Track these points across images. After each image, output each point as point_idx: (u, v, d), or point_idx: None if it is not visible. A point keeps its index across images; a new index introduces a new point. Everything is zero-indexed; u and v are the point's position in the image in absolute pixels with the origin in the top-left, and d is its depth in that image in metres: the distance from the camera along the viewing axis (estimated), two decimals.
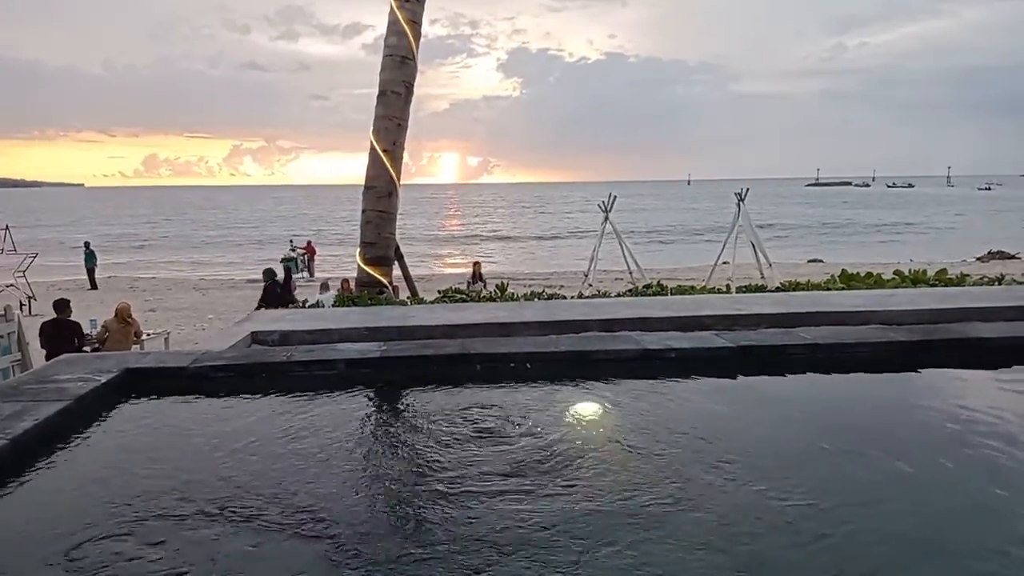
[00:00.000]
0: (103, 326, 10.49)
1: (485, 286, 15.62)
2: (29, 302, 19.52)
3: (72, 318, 10.26)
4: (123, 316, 10.43)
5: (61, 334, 9.77)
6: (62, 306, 10.14)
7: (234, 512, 3.03)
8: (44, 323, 10.09)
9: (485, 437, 3.89)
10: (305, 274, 29.12)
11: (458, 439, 3.87)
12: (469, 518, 2.98)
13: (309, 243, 32.11)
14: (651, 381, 4.92)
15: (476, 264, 17.26)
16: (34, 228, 64.41)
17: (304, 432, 4.03)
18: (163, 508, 3.08)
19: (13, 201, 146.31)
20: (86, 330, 10.60)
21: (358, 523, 2.98)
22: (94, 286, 25.36)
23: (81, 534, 2.88)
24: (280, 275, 13.29)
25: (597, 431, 4.18)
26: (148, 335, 12.11)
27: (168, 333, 13.66)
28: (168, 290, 25.13)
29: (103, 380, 4.57)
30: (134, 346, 10.62)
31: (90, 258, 26.11)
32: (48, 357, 9.05)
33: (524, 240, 53.27)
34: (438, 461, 3.60)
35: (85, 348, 10.03)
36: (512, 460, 3.56)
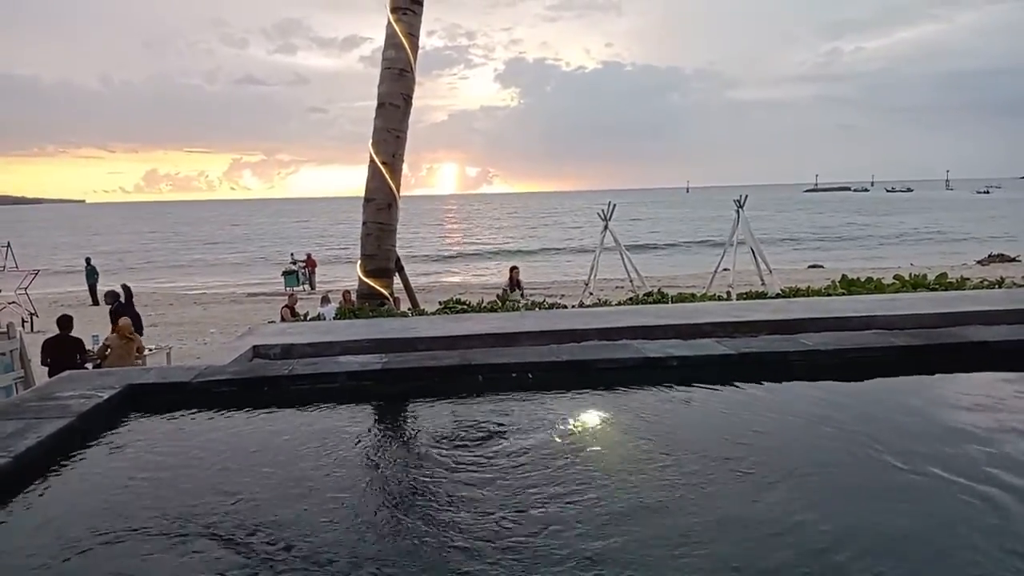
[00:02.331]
0: (105, 342, 10.50)
1: (523, 294, 13.83)
2: (31, 319, 19.53)
3: (74, 334, 10.28)
4: (125, 332, 10.44)
5: (63, 351, 9.79)
6: (65, 323, 10.16)
7: (234, 530, 3.02)
8: (46, 340, 10.10)
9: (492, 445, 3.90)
10: (306, 287, 29.22)
11: (463, 449, 3.88)
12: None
13: (309, 256, 32.21)
14: (652, 389, 4.93)
15: (514, 270, 15.14)
16: (36, 245, 64.49)
17: (308, 446, 4.03)
18: (166, 525, 3.08)
19: (15, 218, 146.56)
20: (88, 346, 10.61)
21: (362, 539, 2.99)
22: (96, 302, 25.38)
23: (84, 551, 2.88)
24: (122, 296, 13.22)
25: (598, 437, 4.18)
26: (150, 350, 12.11)
27: (170, 348, 13.66)
28: (169, 305, 25.16)
29: (106, 396, 4.57)
30: (136, 362, 10.62)
31: (91, 274, 26.16)
32: (51, 374, 9.06)
33: (526, 251, 53.19)
34: (444, 473, 3.61)
35: (87, 364, 10.04)
36: (518, 471, 3.56)
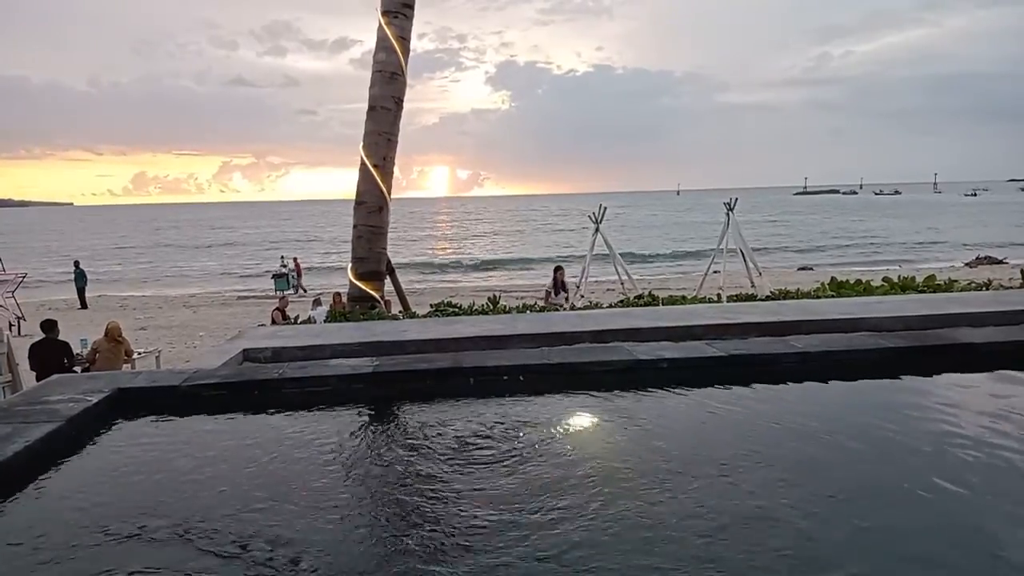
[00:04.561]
0: (93, 346, 10.43)
1: (568, 298, 12.75)
2: (19, 323, 19.35)
3: (62, 338, 10.19)
4: (113, 335, 10.36)
5: (51, 355, 9.70)
6: (50, 326, 10.08)
7: (224, 538, 3.00)
8: (33, 344, 10.01)
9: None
10: (293, 290, 29.10)
11: (455, 451, 3.88)
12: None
13: (295, 260, 32.05)
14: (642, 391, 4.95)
15: (558, 271, 13.45)
16: (23, 247, 63.96)
17: (297, 450, 4.02)
18: (155, 532, 3.06)
19: (2, 221, 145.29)
20: (76, 350, 10.53)
21: (352, 543, 2.98)
22: (84, 305, 25.21)
23: (73, 557, 2.86)
24: None
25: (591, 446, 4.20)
26: (139, 354, 12.04)
27: (159, 351, 13.58)
28: (158, 308, 25.02)
29: (94, 400, 4.54)
30: (125, 365, 10.55)
31: (80, 277, 25.97)
32: (38, 378, 8.98)
33: (516, 257, 53.06)
34: (435, 477, 3.60)
35: (75, 368, 9.96)
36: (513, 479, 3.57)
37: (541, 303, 11.54)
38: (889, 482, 3.45)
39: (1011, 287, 9.34)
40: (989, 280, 9.70)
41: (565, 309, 10.26)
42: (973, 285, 9.31)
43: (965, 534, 2.94)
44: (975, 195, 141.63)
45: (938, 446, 3.85)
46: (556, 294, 12.90)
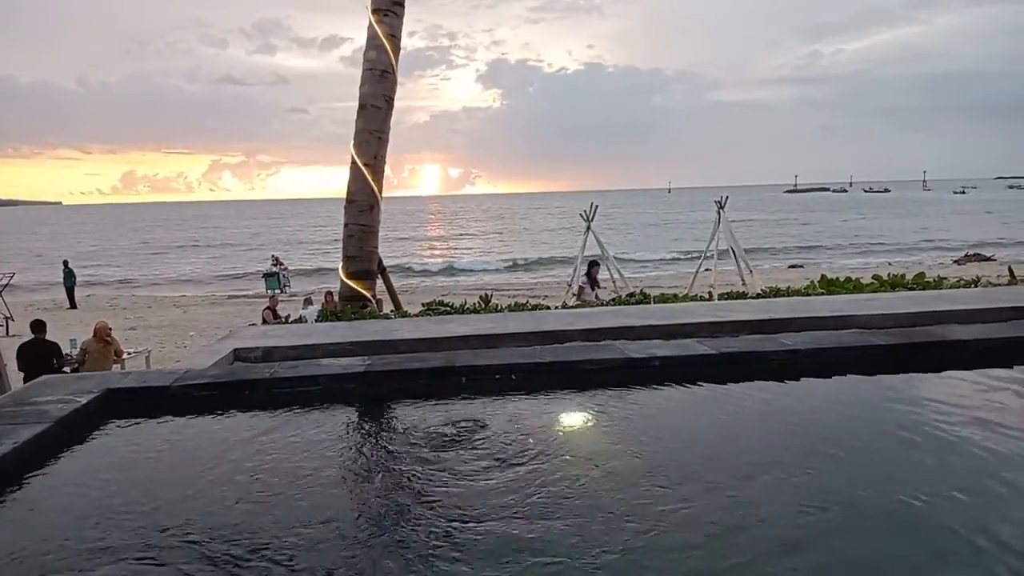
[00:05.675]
0: (82, 346, 10.35)
1: (597, 295, 12.52)
2: (7, 323, 19.21)
3: (52, 338, 10.12)
4: (102, 335, 10.29)
5: (39, 355, 9.63)
6: (39, 327, 10.01)
7: (217, 543, 2.98)
8: (22, 345, 9.94)
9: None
10: (285, 289, 28.91)
11: (447, 452, 3.87)
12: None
13: (277, 259, 31.78)
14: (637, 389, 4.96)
15: (595, 265, 13.24)
16: (11, 247, 63.45)
17: (287, 450, 4.00)
18: (145, 535, 3.05)
19: None
20: (65, 350, 10.45)
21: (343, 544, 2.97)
22: (73, 305, 25.04)
23: (62, 559, 2.84)
24: None
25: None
26: (129, 354, 11.97)
27: (149, 351, 13.51)
28: (148, 307, 24.88)
29: (84, 401, 4.51)
30: (114, 365, 10.48)
31: (69, 277, 25.79)
32: (27, 379, 8.91)
33: (508, 256, 52.98)
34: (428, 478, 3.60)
35: (64, 369, 9.89)
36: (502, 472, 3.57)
37: (573, 299, 11.43)
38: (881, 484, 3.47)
39: (999, 284, 9.40)
40: (977, 277, 9.76)
41: (596, 305, 10.18)
42: (962, 282, 9.37)
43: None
44: (964, 192, 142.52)
45: (939, 443, 3.87)
46: (592, 289, 12.77)
